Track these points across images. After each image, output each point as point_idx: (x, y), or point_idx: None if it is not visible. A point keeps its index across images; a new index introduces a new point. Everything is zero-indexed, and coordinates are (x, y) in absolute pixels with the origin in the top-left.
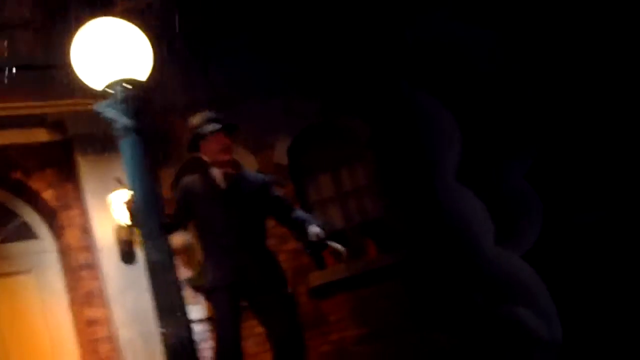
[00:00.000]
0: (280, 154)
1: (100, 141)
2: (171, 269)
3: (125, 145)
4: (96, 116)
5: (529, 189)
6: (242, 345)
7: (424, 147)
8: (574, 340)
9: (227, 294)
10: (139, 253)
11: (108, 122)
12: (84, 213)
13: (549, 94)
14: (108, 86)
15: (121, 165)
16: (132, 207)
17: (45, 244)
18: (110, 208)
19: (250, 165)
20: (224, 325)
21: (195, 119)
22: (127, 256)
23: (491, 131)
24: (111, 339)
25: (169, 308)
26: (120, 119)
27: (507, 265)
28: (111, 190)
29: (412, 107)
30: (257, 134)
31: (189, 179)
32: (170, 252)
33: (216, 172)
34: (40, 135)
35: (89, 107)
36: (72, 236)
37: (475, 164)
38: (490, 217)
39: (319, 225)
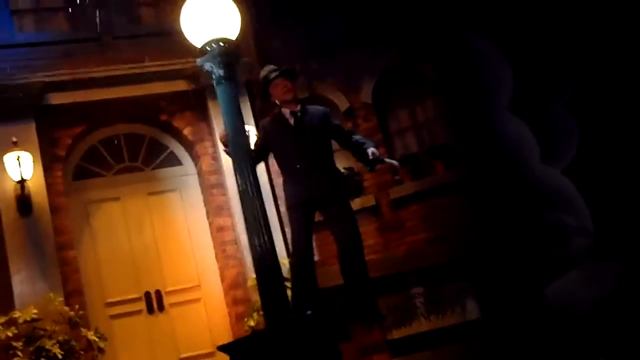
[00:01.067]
0: (366, 94)
1: None
2: (256, 194)
3: (220, 90)
4: None
5: (568, 115)
6: (314, 250)
7: (482, 85)
8: (606, 239)
9: (302, 209)
10: None
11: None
12: (213, 144)
13: (585, 32)
14: (206, 44)
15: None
16: (225, 140)
17: (187, 169)
18: None
19: (342, 103)
20: (298, 236)
21: (262, 72)
22: None
23: (536, 68)
24: (235, 241)
25: (254, 226)
26: (215, 70)
27: (551, 179)
28: None
29: (470, 51)
30: (347, 78)
31: (265, 121)
32: (256, 181)
33: (284, 111)
34: (181, 86)
35: None
36: (205, 162)
37: (524, 96)
38: (536, 140)
39: (373, 146)
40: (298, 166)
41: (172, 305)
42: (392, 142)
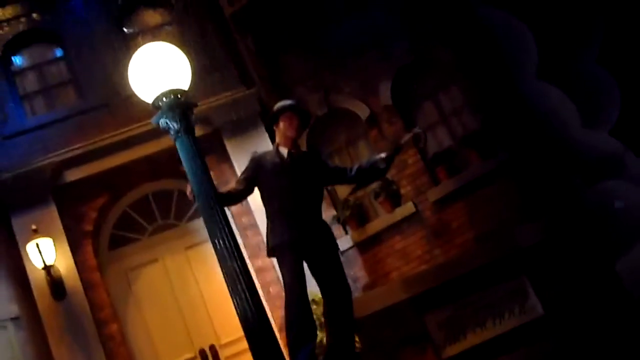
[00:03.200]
0: (385, 96)
1: (239, 124)
2: (233, 251)
3: (179, 144)
4: (232, 106)
5: (602, 70)
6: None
7: (504, 58)
8: None
9: (292, 251)
10: None
11: (243, 108)
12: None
13: None
14: (157, 98)
15: (260, 140)
16: (192, 196)
17: None
18: None
19: (362, 112)
20: (295, 280)
21: (277, 104)
22: None
23: (557, 25)
24: (277, 281)
25: (234, 288)
26: (171, 124)
27: (597, 144)
28: None
29: (486, 25)
30: (363, 85)
31: (262, 154)
32: (231, 234)
33: (282, 150)
34: (196, 132)
35: (227, 99)
36: (235, 205)
37: (550, 60)
38: (574, 105)
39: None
40: (287, 206)
41: (228, 358)
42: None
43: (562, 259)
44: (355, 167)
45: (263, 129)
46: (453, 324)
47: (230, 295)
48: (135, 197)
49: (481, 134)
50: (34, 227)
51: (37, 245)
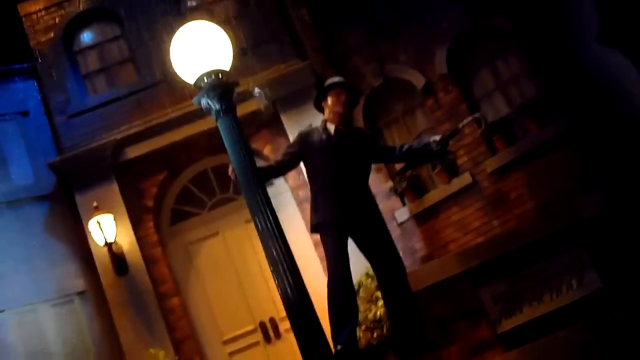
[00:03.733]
0: (440, 64)
1: (294, 97)
2: (275, 232)
3: (220, 125)
4: (287, 78)
5: None
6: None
7: (562, 22)
8: None
9: (337, 230)
10: None
11: (298, 81)
12: None
13: None
14: (199, 78)
15: (316, 113)
16: (234, 176)
17: (278, 187)
18: None
19: (418, 81)
20: (338, 260)
21: (327, 81)
22: None
23: None
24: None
25: (276, 268)
26: (212, 105)
27: None
28: None
29: None
30: (418, 53)
31: (309, 130)
32: (274, 215)
33: (330, 126)
34: (252, 105)
35: (282, 71)
36: (292, 178)
37: (612, 26)
38: (635, 70)
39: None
40: (332, 184)
41: (288, 330)
42: (479, 109)
43: (623, 230)
44: (406, 147)
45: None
46: (509, 298)
47: (272, 276)
48: (195, 172)
49: (539, 102)
50: (95, 204)
51: (99, 222)
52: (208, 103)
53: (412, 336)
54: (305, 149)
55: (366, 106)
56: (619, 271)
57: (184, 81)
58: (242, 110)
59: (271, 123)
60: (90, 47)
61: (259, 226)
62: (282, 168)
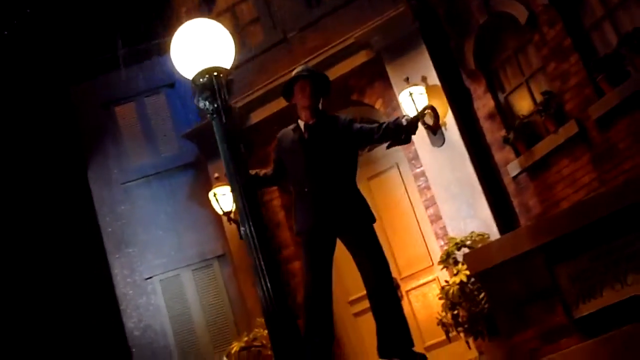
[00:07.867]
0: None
1: (398, 46)
2: (256, 239)
3: (215, 125)
4: (388, 26)
5: None
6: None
7: None
8: None
9: (311, 238)
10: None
11: (399, 28)
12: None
13: None
14: (198, 75)
15: (421, 60)
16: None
17: None
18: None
19: (521, 14)
20: (310, 268)
21: (294, 72)
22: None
23: None
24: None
25: (256, 274)
26: (209, 104)
27: None
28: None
29: None
30: None
31: (283, 132)
32: (259, 222)
33: (300, 123)
34: (361, 57)
35: (382, 20)
36: None
37: None
38: None
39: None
40: (306, 189)
41: (409, 292)
42: (588, 42)
43: None
44: (384, 125)
45: (424, 47)
46: (588, 278)
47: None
48: None
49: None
50: (216, 175)
51: (215, 194)
52: (205, 104)
53: (397, 345)
54: (280, 154)
55: (477, 47)
56: None
57: (301, 36)
58: (350, 64)
59: (380, 75)
60: (226, 11)
61: (242, 231)
62: (274, 176)
